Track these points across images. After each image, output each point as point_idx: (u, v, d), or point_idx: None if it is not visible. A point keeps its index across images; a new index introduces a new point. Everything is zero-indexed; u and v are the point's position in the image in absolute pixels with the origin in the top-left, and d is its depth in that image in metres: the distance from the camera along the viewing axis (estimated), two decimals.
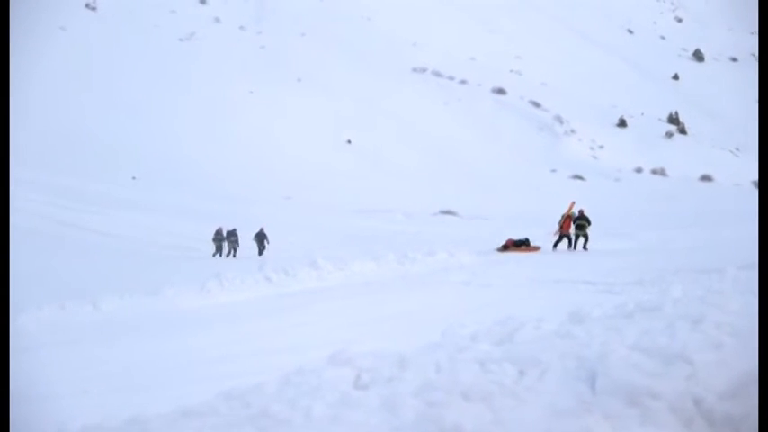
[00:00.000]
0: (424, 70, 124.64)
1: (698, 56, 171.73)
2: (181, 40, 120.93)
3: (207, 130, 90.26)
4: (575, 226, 33.68)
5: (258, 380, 4.50)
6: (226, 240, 39.12)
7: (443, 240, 36.52)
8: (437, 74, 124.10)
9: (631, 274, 19.10)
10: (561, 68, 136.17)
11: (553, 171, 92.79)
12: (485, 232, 46.48)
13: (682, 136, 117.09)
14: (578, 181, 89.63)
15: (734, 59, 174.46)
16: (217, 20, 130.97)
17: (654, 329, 4.82)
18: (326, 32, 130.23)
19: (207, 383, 5.36)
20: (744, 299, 5.84)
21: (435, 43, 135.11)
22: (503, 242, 33.47)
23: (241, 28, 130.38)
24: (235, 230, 39.38)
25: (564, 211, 34.80)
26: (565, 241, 33.57)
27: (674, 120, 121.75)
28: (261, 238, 38.89)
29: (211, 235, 39.15)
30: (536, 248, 32.99)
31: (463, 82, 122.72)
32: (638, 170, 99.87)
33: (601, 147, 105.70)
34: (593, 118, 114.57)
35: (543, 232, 38.64)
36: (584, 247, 33.17)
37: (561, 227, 33.91)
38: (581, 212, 33.67)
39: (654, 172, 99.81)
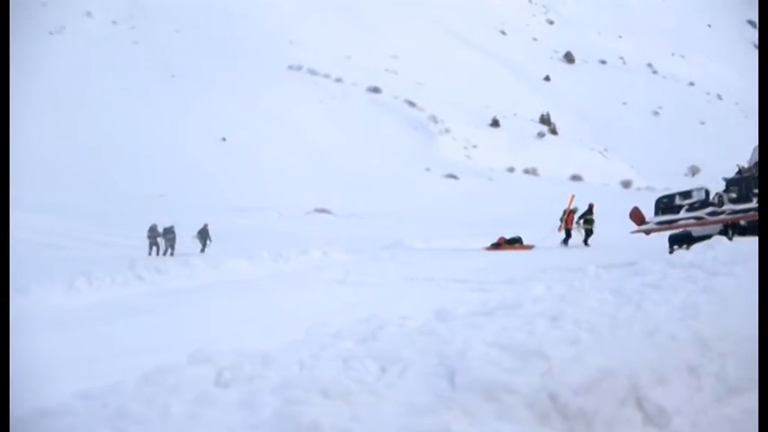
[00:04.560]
0: (299, 68, 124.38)
1: (569, 58, 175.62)
2: (51, 33, 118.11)
3: (77, 127, 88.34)
4: (583, 220, 33.71)
5: (117, 379, 4.42)
6: (162, 237, 37.76)
7: (318, 239, 36.45)
8: (312, 72, 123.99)
9: (503, 273, 19.35)
10: (436, 68, 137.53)
11: (427, 170, 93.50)
12: (360, 230, 46.61)
13: (553, 136, 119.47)
14: (452, 180, 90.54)
15: (603, 62, 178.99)
16: (88, 14, 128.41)
17: (513, 326, 4.90)
18: (201, 29, 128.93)
19: (65, 384, 5.24)
20: (602, 296, 6.00)
21: (311, 41, 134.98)
22: (494, 240, 33.28)
23: (113, 23, 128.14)
24: (172, 227, 37.74)
25: (565, 206, 34.76)
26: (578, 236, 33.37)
27: (545, 120, 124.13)
28: (204, 234, 37.95)
29: (87, 234, 37.88)
30: (529, 247, 32.62)
31: (338, 80, 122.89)
32: (511, 170, 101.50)
33: (474, 146, 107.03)
34: (467, 118, 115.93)
35: (419, 230, 38.89)
36: (586, 242, 33.20)
37: (565, 222, 33.92)
38: (590, 207, 33.64)
39: (526, 171, 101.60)
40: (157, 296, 19.18)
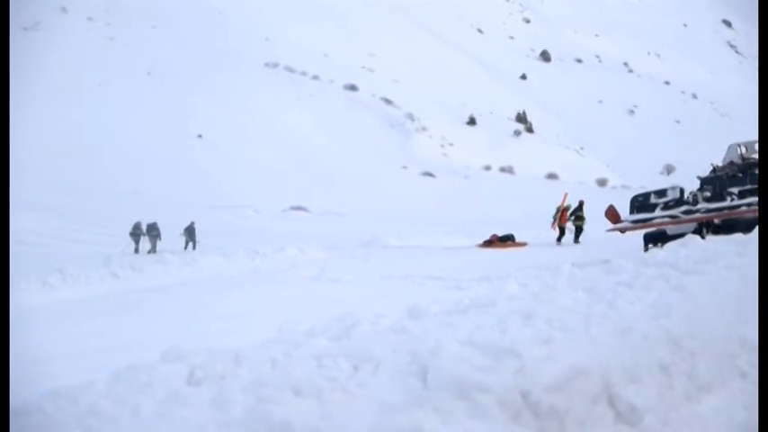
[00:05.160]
0: (276, 65, 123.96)
1: (545, 56, 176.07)
2: (26, 29, 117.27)
3: (53, 123, 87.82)
4: (573, 217, 33.72)
5: (88, 378, 4.40)
6: (147, 234, 37.29)
7: (294, 236, 36.43)
8: (289, 69, 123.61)
9: (479, 271, 19.42)
10: (413, 66, 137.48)
11: (404, 168, 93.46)
12: (336, 228, 46.58)
13: (529, 135, 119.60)
14: (429, 178, 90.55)
15: (579, 60, 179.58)
16: (63, 9, 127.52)
17: (486, 325, 4.92)
18: (178, 26, 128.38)
19: (36, 383, 5.21)
20: (575, 295, 6.02)
21: (288, 38, 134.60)
22: (487, 237, 33.26)
23: (89, 19, 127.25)
24: (155, 224, 37.10)
25: (559, 203, 34.78)
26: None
27: (521, 119, 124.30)
28: (191, 232, 37.66)
29: (61, 231, 37.44)
30: (522, 244, 32.62)
31: (315, 78, 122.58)
32: (487, 168, 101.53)
33: (451, 144, 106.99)
34: (443, 116, 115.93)
35: (396, 228, 38.90)
36: (577, 240, 33.21)
37: (559, 219, 33.93)
38: (581, 204, 33.64)
39: (502, 170, 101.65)
40: (132, 294, 19.15)
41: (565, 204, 34.18)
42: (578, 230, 33.37)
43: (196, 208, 53.44)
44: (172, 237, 36.65)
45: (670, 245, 10.19)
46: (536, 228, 35.55)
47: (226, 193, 67.84)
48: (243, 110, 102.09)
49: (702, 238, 12.59)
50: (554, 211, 34.61)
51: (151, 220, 37.48)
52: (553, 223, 34.15)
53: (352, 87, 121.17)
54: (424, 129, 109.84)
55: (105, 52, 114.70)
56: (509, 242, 32.66)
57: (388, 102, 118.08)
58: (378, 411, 3.85)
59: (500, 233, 33.77)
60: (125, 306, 16.73)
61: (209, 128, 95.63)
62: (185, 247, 36.29)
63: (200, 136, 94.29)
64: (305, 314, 7.48)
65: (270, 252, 28.89)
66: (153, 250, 36.36)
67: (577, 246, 31.68)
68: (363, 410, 3.84)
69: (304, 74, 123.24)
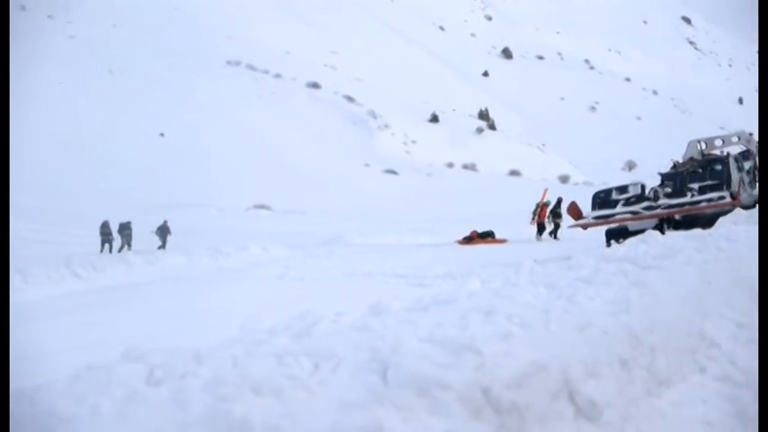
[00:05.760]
0: (238, 63, 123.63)
1: (506, 53, 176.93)
2: None
3: (13, 122, 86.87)
4: (552, 214, 33.77)
5: (47, 378, 4.38)
6: (118, 234, 36.81)
7: (257, 235, 36.37)
8: (251, 67, 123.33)
9: (442, 268, 19.49)
10: (375, 64, 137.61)
11: (367, 165, 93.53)
12: (299, 226, 46.57)
13: (491, 132, 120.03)
14: (391, 175, 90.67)
15: (540, 58, 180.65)
16: (23, 7, 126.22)
17: (447, 321, 4.93)
18: (139, 24, 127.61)
19: None
20: (536, 290, 6.06)
21: (250, 36, 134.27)
22: (467, 234, 33.25)
23: (49, 17, 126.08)
24: (129, 223, 36.45)
25: (538, 199, 34.90)
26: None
27: (484, 116, 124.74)
28: (164, 231, 37.30)
29: (23, 231, 36.87)
30: (503, 240, 32.65)
31: (278, 76, 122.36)
32: (450, 165, 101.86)
33: (413, 142, 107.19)
34: (406, 113, 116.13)
35: (359, 225, 38.93)
36: (555, 236, 33.27)
37: (538, 216, 33.98)
38: (559, 201, 33.67)
39: (465, 167, 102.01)
40: (94, 293, 19.04)
41: (544, 200, 34.37)
42: (556, 227, 33.56)
43: (159, 207, 53.23)
44: (139, 237, 36.44)
45: (630, 241, 10.28)
46: (501, 224, 35.68)
47: (188, 192, 67.62)
48: (205, 108, 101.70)
49: (662, 233, 12.70)
50: (533, 206, 34.81)
51: (124, 220, 37.19)
52: (532, 219, 34.34)
53: (315, 85, 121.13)
54: (386, 126, 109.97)
55: (65, 51, 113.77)
56: (489, 238, 32.77)
57: (350, 99, 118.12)
58: (338, 409, 3.86)
59: (464, 230, 33.88)
60: (86, 306, 16.62)
61: (172, 126, 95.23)
62: (161, 247, 36.05)
63: (162, 135, 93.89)
64: (267, 312, 7.49)
65: (233, 251, 28.87)
66: (127, 249, 36.00)
67: (548, 242, 31.92)
68: (323, 408, 3.84)
69: (266, 72, 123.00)
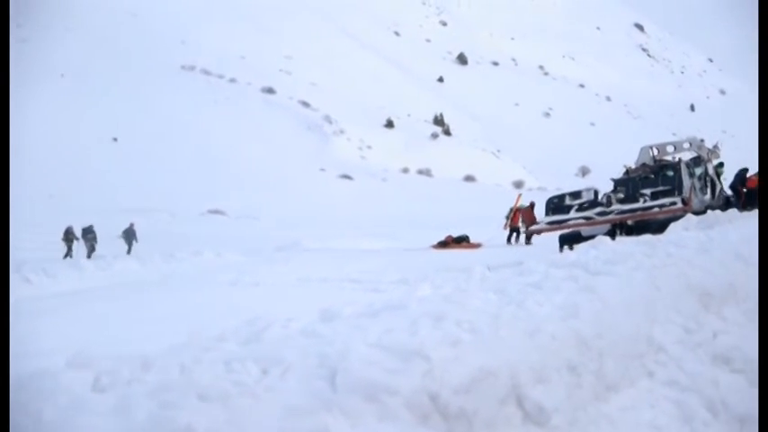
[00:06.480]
0: (192, 68, 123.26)
1: (462, 59, 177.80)
2: None
3: None
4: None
5: None
6: (82, 239, 36.37)
7: (211, 240, 36.21)
8: (206, 72, 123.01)
9: (397, 273, 19.48)
10: (330, 69, 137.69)
11: (322, 170, 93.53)
12: (254, 232, 46.44)
13: (446, 137, 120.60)
14: (347, 180, 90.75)
15: (495, 63, 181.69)
16: None
17: (397, 327, 4.92)
18: (92, 28, 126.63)
19: None
20: (485, 296, 6.07)
21: (205, 41, 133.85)
22: (442, 239, 33.20)
23: None
24: (91, 227, 36.46)
25: (512, 204, 34.91)
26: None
27: (439, 121, 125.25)
28: (130, 235, 36.89)
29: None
30: (477, 245, 32.64)
31: (233, 81, 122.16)
32: (405, 170, 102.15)
33: (369, 147, 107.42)
34: (361, 118, 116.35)
35: (314, 231, 38.86)
36: (528, 241, 33.19)
37: (511, 220, 33.95)
38: (532, 205, 33.63)
39: (420, 172, 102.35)
40: (44, 299, 18.77)
41: (518, 205, 34.50)
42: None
43: (112, 212, 52.79)
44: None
45: (581, 246, 10.35)
46: (458, 229, 35.76)
47: (142, 197, 67.14)
48: (159, 113, 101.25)
49: (613, 239, 12.79)
50: (507, 211, 34.92)
51: (86, 224, 36.91)
52: (506, 224, 34.47)
53: (270, 90, 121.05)
54: (341, 131, 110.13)
55: (17, 54, 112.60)
56: (464, 243, 32.88)
57: (305, 105, 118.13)
58: (285, 415, 3.84)
59: (420, 235, 34.02)
60: (36, 312, 16.41)
61: (125, 131, 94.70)
62: (128, 251, 35.72)
63: (115, 139, 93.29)
64: (220, 318, 7.45)
65: (186, 256, 28.66)
66: (89, 254, 35.64)
67: (499, 248, 32.04)
68: (270, 414, 3.82)
69: (221, 77, 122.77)
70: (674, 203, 21.87)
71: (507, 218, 34.61)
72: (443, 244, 32.72)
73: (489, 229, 35.71)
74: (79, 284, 22.84)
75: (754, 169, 22.74)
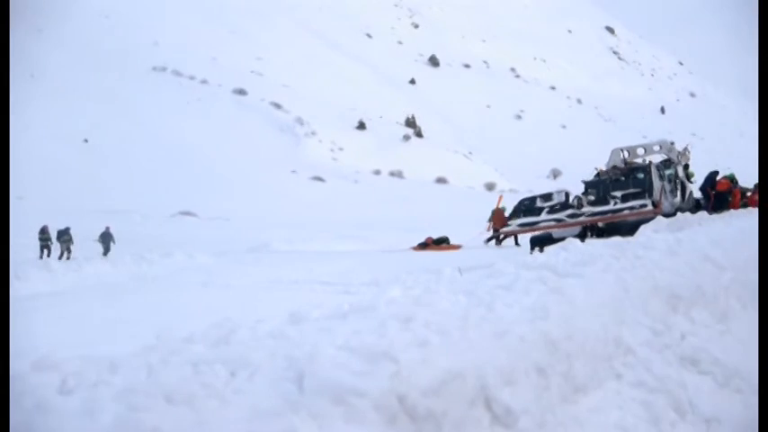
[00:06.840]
0: (164, 69, 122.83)
1: (433, 61, 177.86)
2: None
3: None
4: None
5: None
6: (57, 242, 36.06)
7: (182, 241, 36.09)
8: (177, 73, 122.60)
9: (368, 275, 19.51)
10: (302, 70, 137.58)
11: (293, 172, 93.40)
12: (225, 233, 46.31)
13: (418, 139, 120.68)
14: (318, 182, 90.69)
15: (467, 66, 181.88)
16: None
17: (365, 329, 4.92)
18: (63, 29, 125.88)
19: None
20: (455, 298, 6.06)
21: (176, 42, 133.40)
22: (422, 240, 33.20)
23: None
24: (67, 229, 36.17)
25: (494, 206, 34.90)
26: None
27: (411, 123, 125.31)
28: (106, 238, 36.58)
29: None
30: (457, 247, 32.67)
31: (204, 82, 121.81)
32: (377, 172, 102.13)
33: (341, 149, 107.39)
34: (333, 120, 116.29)
35: (286, 232, 38.81)
36: (498, 243, 33.26)
37: (493, 222, 33.93)
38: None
39: (392, 174, 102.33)
40: (13, 302, 18.66)
41: (500, 206, 34.59)
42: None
43: (82, 213, 52.49)
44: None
45: (551, 248, 10.39)
46: (429, 231, 35.81)
47: (112, 198, 66.83)
48: (130, 114, 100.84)
49: (583, 241, 12.84)
50: (489, 213, 34.98)
51: (62, 227, 36.69)
52: (489, 225, 34.53)
53: (241, 92, 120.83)
54: (313, 133, 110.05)
55: None
56: (444, 245, 32.99)
57: (277, 106, 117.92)
58: (252, 417, 3.83)
59: (392, 237, 34.10)
60: None
61: (96, 132, 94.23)
62: (105, 254, 35.40)
63: (85, 140, 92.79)
64: (190, 320, 7.41)
65: (157, 258, 28.55)
66: (66, 257, 35.39)
67: (471, 250, 32.13)
68: (237, 417, 3.81)
69: (192, 78, 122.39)
70: (645, 206, 22.02)
71: (490, 220, 34.72)
72: (423, 245, 32.83)
73: (464, 230, 35.73)
74: (50, 287, 22.76)
75: (723, 172, 22.98)
